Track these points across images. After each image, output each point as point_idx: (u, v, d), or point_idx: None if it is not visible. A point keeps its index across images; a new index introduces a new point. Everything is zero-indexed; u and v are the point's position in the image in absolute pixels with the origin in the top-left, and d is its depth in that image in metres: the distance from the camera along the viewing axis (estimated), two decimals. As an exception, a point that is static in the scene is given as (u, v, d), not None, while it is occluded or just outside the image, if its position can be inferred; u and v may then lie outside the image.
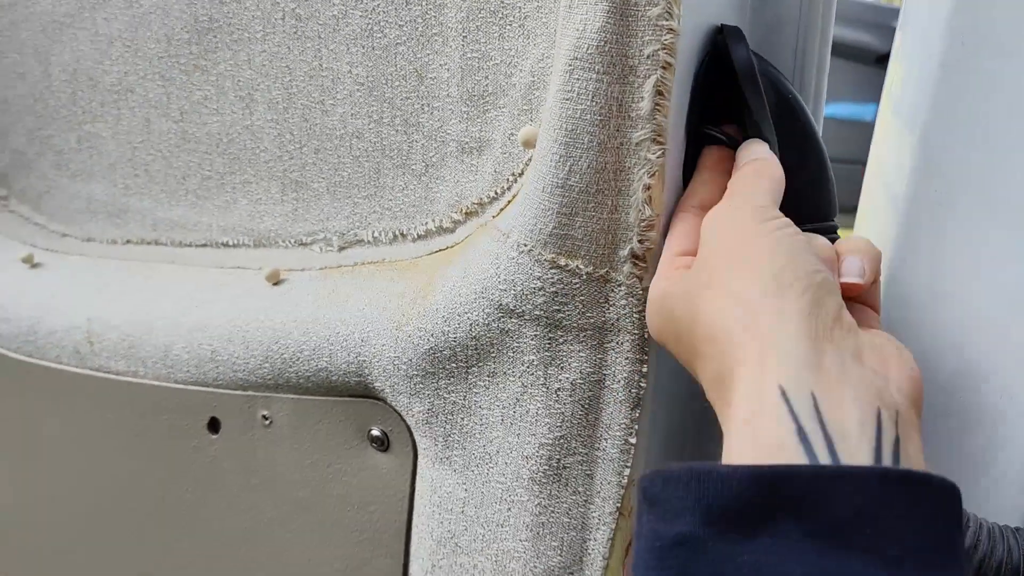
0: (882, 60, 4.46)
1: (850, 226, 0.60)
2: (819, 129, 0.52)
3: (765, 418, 0.37)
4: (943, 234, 0.49)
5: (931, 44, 0.48)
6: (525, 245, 0.50)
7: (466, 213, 0.61)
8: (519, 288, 0.51)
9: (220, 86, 0.71)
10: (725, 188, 0.49)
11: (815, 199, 0.52)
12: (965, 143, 0.48)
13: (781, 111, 0.50)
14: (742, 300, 0.40)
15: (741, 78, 0.49)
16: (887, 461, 0.36)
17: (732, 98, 0.50)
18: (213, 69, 0.71)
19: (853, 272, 0.45)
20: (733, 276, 0.41)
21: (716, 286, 0.42)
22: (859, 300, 0.48)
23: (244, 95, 0.70)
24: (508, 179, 0.58)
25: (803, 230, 0.49)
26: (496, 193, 0.58)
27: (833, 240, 0.51)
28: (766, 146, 0.49)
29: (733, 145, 0.51)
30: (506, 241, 0.51)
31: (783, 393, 0.37)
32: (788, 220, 0.44)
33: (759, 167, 0.47)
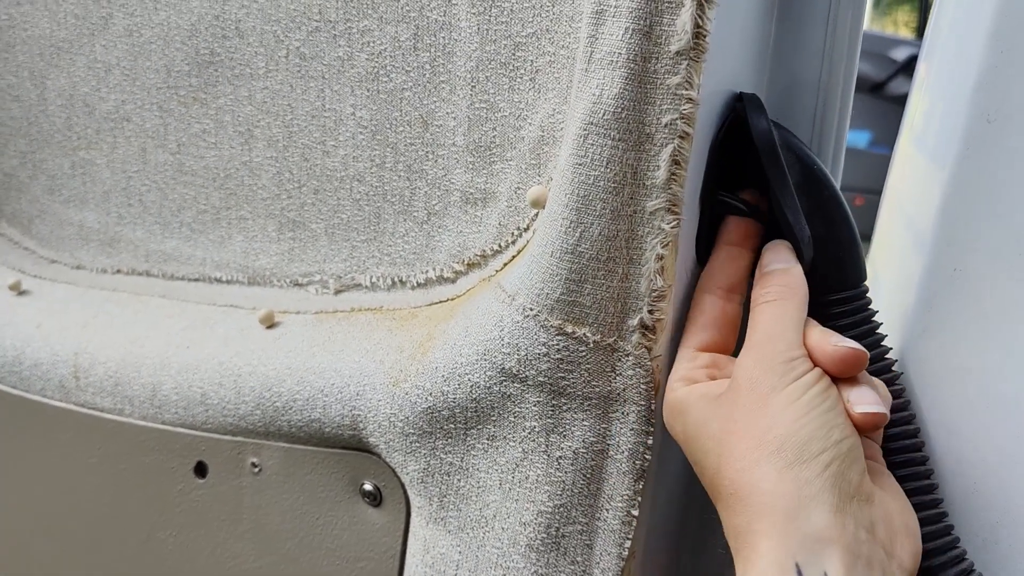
0: (876, 88, 4.47)
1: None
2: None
3: None
4: (971, 292, 0.47)
5: (957, 94, 0.47)
6: (531, 309, 0.49)
7: (468, 264, 0.59)
8: (523, 353, 0.49)
9: (219, 120, 0.70)
10: (747, 267, 0.49)
11: (847, 268, 0.51)
12: (994, 196, 0.46)
13: (807, 183, 0.49)
14: (770, 470, 0.41)
15: (761, 153, 0.48)
16: None
17: (750, 166, 0.49)
18: (213, 103, 0.70)
19: (867, 400, 0.44)
20: (762, 440, 0.42)
21: (745, 443, 0.43)
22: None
23: (244, 131, 0.69)
24: (513, 233, 0.56)
25: (835, 299, 0.50)
26: (500, 246, 0.57)
27: (866, 303, 0.50)
28: (789, 250, 0.49)
29: (752, 213, 0.50)
30: (511, 303, 0.50)
31: (799, 571, 0.39)
32: (817, 371, 0.44)
33: (783, 291, 0.47)
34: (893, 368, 0.51)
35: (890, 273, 0.58)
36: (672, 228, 0.45)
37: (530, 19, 0.53)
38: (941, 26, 0.54)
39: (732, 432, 0.44)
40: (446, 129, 0.58)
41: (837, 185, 0.51)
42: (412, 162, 0.61)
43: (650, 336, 0.47)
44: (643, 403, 0.48)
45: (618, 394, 0.49)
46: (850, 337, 0.50)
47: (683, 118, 0.44)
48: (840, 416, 0.43)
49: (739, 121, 0.49)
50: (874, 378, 0.47)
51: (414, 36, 0.58)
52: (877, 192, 0.69)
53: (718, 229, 0.51)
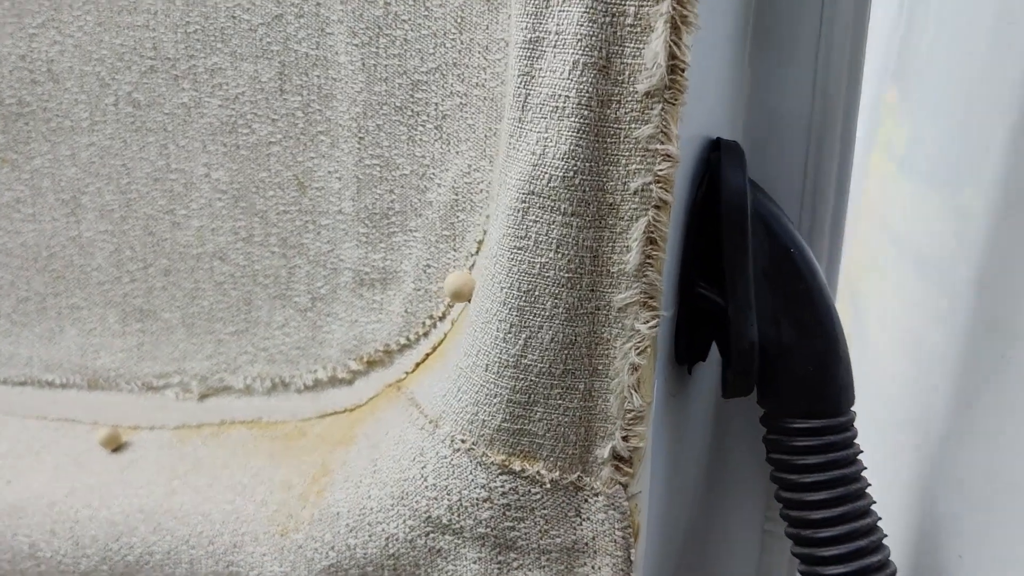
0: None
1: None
2: (836, 289, 0.40)
3: None
4: None
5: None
6: (463, 441, 0.36)
7: (368, 362, 0.46)
8: (456, 498, 0.37)
9: (36, 186, 0.55)
10: None
11: (823, 387, 0.39)
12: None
13: (778, 271, 0.38)
14: None
15: (723, 223, 0.36)
16: None
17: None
18: (26, 165, 0.55)
19: None
20: None
21: None
22: None
23: (68, 199, 0.54)
24: (424, 323, 0.44)
25: (800, 428, 0.39)
26: (408, 340, 0.45)
27: (851, 437, 0.39)
28: None
29: None
30: (434, 432, 0.37)
31: None
32: None
33: None
34: (879, 525, 0.40)
35: (886, 311, 0.48)
36: (650, 328, 0.34)
37: (431, 51, 0.41)
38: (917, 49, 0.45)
39: None
40: (329, 192, 0.46)
41: (835, 272, 0.39)
42: (288, 234, 0.48)
43: (625, 470, 0.36)
44: (619, 554, 0.37)
45: (585, 544, 0.37)
46: (817, 482, 0.39)
47: (659, 181, 0.32)
48: None
49: (715, 178, 0.37)
50: None
51: (279, 76, 0.45)
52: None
53: (701, 319, 0.39)
